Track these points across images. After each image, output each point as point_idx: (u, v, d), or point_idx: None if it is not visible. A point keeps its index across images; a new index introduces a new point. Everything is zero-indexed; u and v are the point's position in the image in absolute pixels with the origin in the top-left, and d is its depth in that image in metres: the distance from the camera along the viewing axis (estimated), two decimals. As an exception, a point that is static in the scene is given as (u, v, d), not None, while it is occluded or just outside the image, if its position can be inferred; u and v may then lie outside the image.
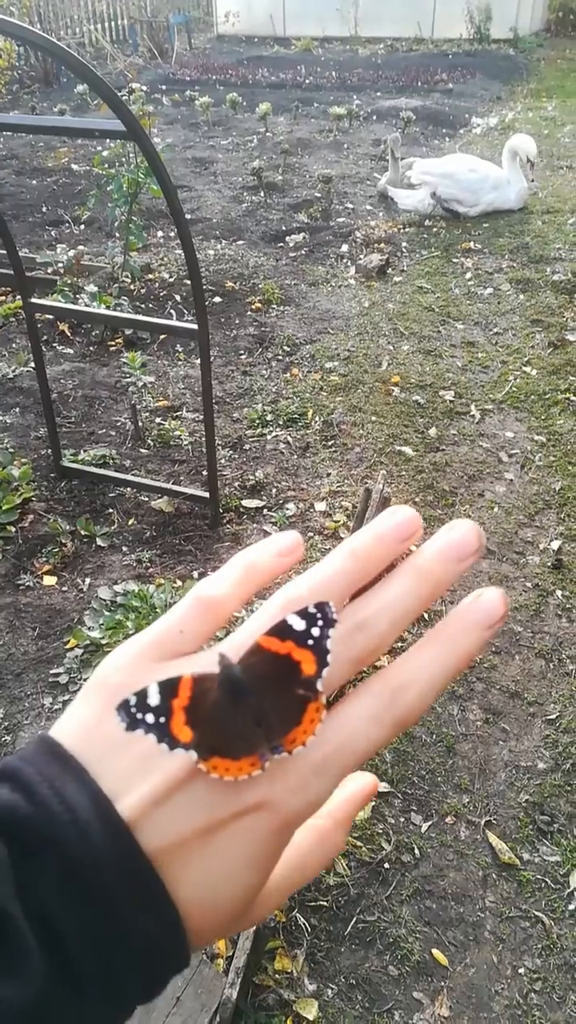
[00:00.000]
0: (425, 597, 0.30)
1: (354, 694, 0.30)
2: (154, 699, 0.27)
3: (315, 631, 0.29)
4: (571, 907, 1.61)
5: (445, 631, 0.30)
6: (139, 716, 0.27)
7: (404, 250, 4.80)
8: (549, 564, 2.44)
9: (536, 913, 1.60)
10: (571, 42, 12.67)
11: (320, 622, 0.29)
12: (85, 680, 1.73)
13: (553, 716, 1.99)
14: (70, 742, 0.28)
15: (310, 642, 0.29)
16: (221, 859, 0.28)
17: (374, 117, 8.06)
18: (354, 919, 1.59)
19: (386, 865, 1.68)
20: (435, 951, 1.55)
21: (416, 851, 1.70)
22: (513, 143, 5.08)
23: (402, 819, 1.77)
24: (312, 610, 0.29)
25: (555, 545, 2.50)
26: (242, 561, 0.33)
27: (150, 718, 0.27)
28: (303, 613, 0.29)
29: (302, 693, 0.29)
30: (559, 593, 2.35)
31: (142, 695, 0.28)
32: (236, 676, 0.29)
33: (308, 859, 0.33)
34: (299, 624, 0.29)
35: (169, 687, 0.28)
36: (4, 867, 0.25)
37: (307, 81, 9.98)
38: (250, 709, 0.29)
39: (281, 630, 0.29)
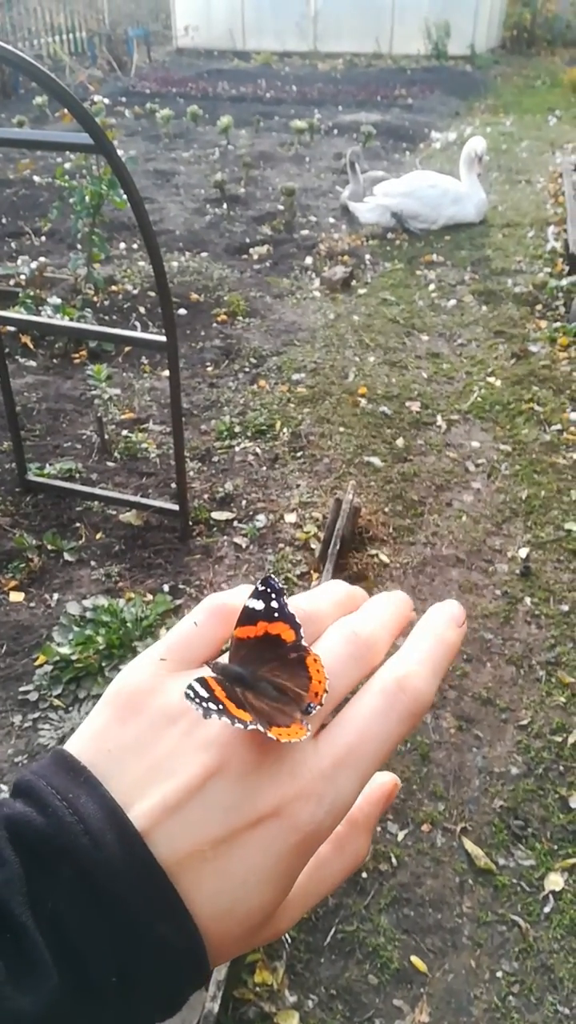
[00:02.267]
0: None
1: (357, 696, 0.31)
2: (204, 692, 0.29)
3: (274, 603, 0.32)
4: (546, 910, 1.63)
5: (427, 627, 0.33)
6: (207, 705, 0.28)
7: (368, 262, 4.86)
8: (517, 572, 2.48)
9: (512, 917, 1.62)
10: (526, 59, 12.99)
11: (273, 594, 0.32)
12: (55, 697, 1.70)
13: (525, 722, 2.02)
14: (84, 754, 0.29)
15: (276, 614, 0.31)
16: (237, 872, 0.27)
17: (335, 131, 8.15)
18: (333, 929, 1.59)
19: (364, 874, 1.69)
20: (414, 958, 1.55)
21: (393, 860, 1.71)
22: (467, 151, 5.18)
23: (379, 828, 1.77)
24: (261, 587, 0.32)
25: (523, 553, 2.55)
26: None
27: (213, 705, 0.28)
28: (256, 594, 0.32)
29: (295, 655, 0.31)
30: (528, 600, 2.38)
31: (200, 684, 0.29)
32: (235, 670, 0.31)
33: (327, 868, 0.32)
34: (258, 604, 0.32)
35: (204, 683, 0.29)
36: (17, 879, 0.25)
37: (268, 95, 10.06)
38: (265, 689, 0.31)
39: (247, 616, 0.32)
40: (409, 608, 0.35)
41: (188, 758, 0.28)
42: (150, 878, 0.26)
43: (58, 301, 3.70)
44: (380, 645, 0.32)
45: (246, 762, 0.29)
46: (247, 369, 3.67)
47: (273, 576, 0.33)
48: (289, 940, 1.56)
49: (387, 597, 0.35)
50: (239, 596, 0.34)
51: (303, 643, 0.31)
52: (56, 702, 2.01)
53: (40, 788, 0.27)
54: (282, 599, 0.32)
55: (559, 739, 1.97)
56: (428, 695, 0.30)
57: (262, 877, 0.28)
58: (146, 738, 0.29)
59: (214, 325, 4.05)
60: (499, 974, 1.54)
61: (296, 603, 0.33)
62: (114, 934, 0.25)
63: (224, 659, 0.32)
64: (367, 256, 4.94)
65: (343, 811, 0.29)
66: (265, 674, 0.31)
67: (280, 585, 0.32)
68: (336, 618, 0.33)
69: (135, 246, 5.00)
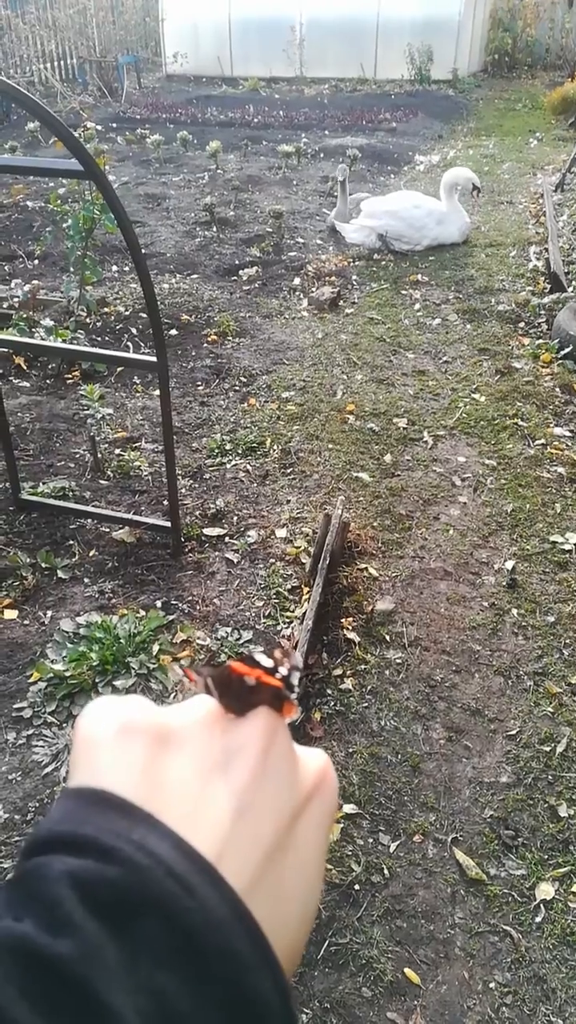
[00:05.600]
0: None
1: None
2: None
3: (282, 670, 0.30)
4: (538, 919, 1.65)
5: None
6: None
7: (355, 283, 4.93)
8: (504, 584, 2.51)
9: (504, 927, 1.63)
10: (507, 83, 13.26)
11: (286, 663, 0.30)
12: (49, 713, 1.71)
13: (513, 732, 2.04)
14: (122, 789, 0.25)
15: (277, 675, 0.30)
16: (302, 857, 0.26)
17: (321, 155, 8.29)
18: (326, 942, 1.60)
19: (356, 887, 1.70)
20: (407, 970, 1.56)
21: (385, 871, 1.72)
22: (451, 177, 5.29)
23: (370, 840, 1.79)
24: (279, 655, 0.31)
25: (509, 565, 2.58)
26: None
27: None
28: (270, 654, 0.31)
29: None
30: (515, 612, 2.41)
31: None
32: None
33: None
34: (267, 662, 0.30)
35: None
36: (98, 948, 0.20)
37: (255, 120, 10.22)
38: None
39: (247, 660, 0.31)
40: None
41: (232, 764, 0.26)
42: (242, 919, 0.22)
43: (51, 323, 3.74)
44: None
45: (285, 748, 0.28)
46: (237, 388, 3.71)
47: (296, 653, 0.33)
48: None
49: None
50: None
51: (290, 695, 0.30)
52: (50, 719, 2.02)
53: (93, 835, 0.22)
54: (295, 673, 0.31)
55: (547, 749, 1.99)
56: None
57: (320, 857, 0.26)
58: (181, 759, 0.26)
59: (205, 345, 4.10)
60: (492, 985, 1.55)
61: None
62: (228, 998, 0.21)
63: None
64: (354, 276, 5.01)
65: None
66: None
67: (299, 663, 0.31)
68: None
69: (127, 268, 5.06)
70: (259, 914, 0.23)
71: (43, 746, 1.96)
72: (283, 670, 0.30)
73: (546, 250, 5.15)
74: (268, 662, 0.30)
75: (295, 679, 0.30)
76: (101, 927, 0.21)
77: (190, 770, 0.26)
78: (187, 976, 0.21)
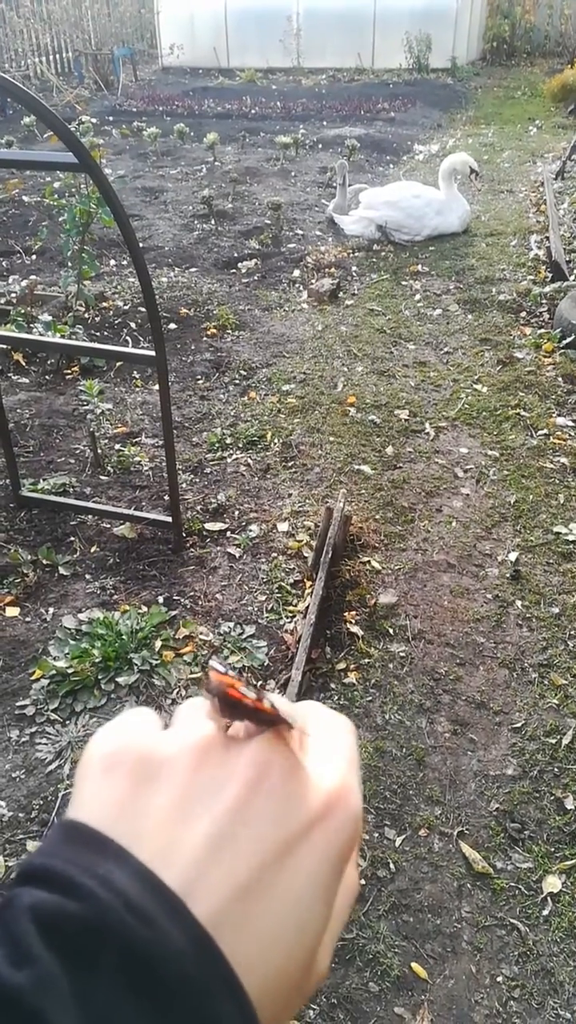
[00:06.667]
0: None
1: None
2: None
3: (265, 704, 0.29)
4: (545, 913, 1.64)
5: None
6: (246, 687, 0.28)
7: (354, 274, 4.90)
8: (508, 575, 2.50)
9: (511, 920, 1.63)
10: (505, 71, 13.16)
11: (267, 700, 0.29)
12: (52, 711, 1.70)
13: (519, 724, 2.03)
14: (97, 821, 0.25)
15: (265, 704, 0.29)
16: (292, 890, 0.25)
17: (319, 145, 8.24)
18: (333, 938, 1.59)
19: (362, 881, 1.69)
20: (414, 965, 1.55)
21: (391, 865, 1.72)
22: (448, 164, 5.24)
23: (376, 834, 1.78)
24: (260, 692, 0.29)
25: (512, 556, 2.57)
26: None
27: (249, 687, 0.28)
28: (251, 686, 0.29)
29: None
30: (518, 603, 2.40)
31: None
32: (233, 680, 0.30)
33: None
34: (250, 693, 0.29)
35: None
36: (53, 979, 0.21)
37: (253, 111, 10.16)
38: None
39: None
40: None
41: (221, 785, 0.26)
42: (204, 949, 0.23)
43: (49, 318, 3.72)
44: None
45: (286, 766, 0.27)
46: (237, 381, 3.69)
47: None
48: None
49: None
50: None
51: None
52: (53, 716, 2.01)
53: (61, 869, 0.23)
54: (278, 709, 0.29)
55: (553, 741, 1.98)
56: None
57: (317, 892, 0.25)
58: (160, 789, 0.26)
59: (204, 339, 4.08)
60: (499, 979, 1.54)
61: None
62: None
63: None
64: (353, 268, 4.98)
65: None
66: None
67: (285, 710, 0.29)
68: None
69: (124, 262, 5.03)
70: (232, 946, 0.23)
71: (46, 743, 1.95)
72: (266, 704, 0.29)
73: (547, 239, 5.11)
74: (252, 694, 0.29)
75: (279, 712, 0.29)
76: (57, 960, 0.21)
77: (172, 801, 0.26)
78: (143, 1007, 0.21)
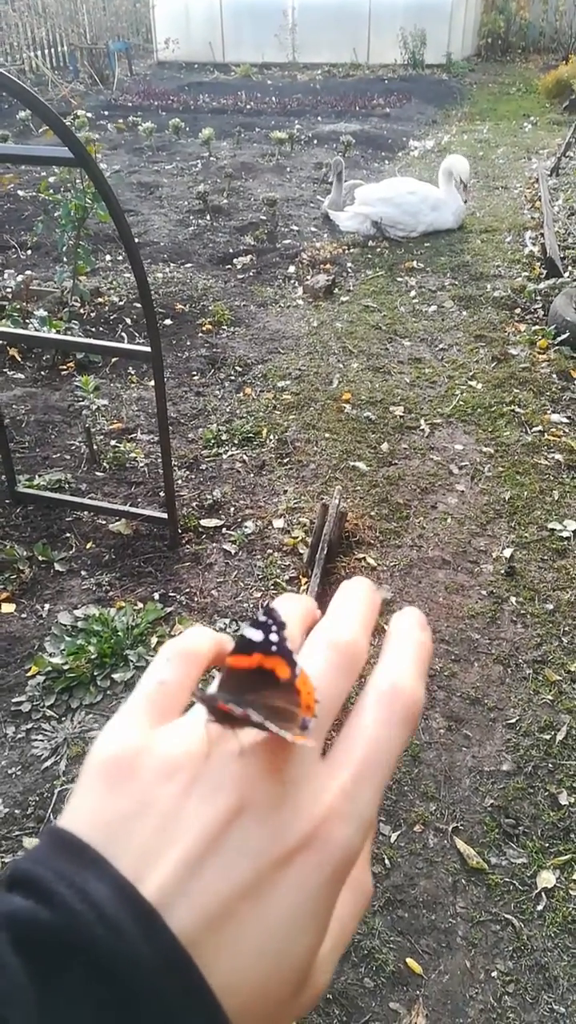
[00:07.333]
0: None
1: (356, 710, 0.30)
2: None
3: (273, 636, 0.30)
4: (539, 908, 1.65)
5: (401, 633, 0.32)
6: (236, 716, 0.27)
7: (349, 270, 4.90)
8: (502, 572, 2.50)
9: (506, 916, 1.63)
10: (500, 66, 13.15)
11: (273, 627, 0.30)
12: (48, 707, 1.70)
13: (513, 720, 2.03)
14: (83, 831, 0.25)
15: (274, 648, 0.29)
16: (272, 921, 0.24)
17: (315, 141, 8.22)
18: (328, 933, 1.60)
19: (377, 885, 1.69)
20: (409, 960, 1.56)
21: (386, 861, 1.72)
22: (447, 164, 5.25)
23: (371, 830, 1.78)
24: (263, 618, 0.30)
25: (507, 553, 2.57)
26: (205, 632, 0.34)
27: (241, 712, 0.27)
28: (256, 624, 0.30)
29: (285, 680, 0.29)
30: (513, 600, 2.41)
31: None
32: (226, 698, 0.29)
33: (342, 910, 0.28)
34: (257, 635, 0.30)
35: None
36: (20, 989, 0.21)
37: (248, 106, 10.13)
38: (259, 710, 0.29)
39: (243, 646, 0.30)
40: (375, 596, 0.34)
41: (202, 807, 0.26)
42: (176, 961, 0.22)
43: (44, 314, 3.71)
44: (361, 649, 0.31)
45: (270, 794, 0.26)
46: (233, 377, 3.69)
47: (276, 607, 0.31)
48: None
49: (352, 592, 0.34)
50: (199, 638, 0.32)
51: (296, 680, 0.29)
52: (49, 712, 2.01)
53: (40, 875, 0.23)
54: (283, 633, 0.30)
55: (547, 737, 1.99)
56: (421, 697, 0.30)
57: (301, 921, 0.25)
58: (148, 800, 0.26)
59: (199, 335, 4.08)
60: (494, 974, 1.55)
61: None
62: None
63: (211, 688, 0.30)
64: (349, 264, 4.98)
65: (369, 828, 0.27)
66: (255, 699, 0.29)
67: (283, 619, 0.30)
68: (304, 627, 0.32)
69: (120, 258, 5.02)
70: (211, 961, 0.23)
71: (42, 740, 1.95)
72: (274, 636, 0.29)
73: (542, 235, 5.11)
74: (257, 634, 0.30)
75: (286, 639, 0.29)
76: (25, 968, 0.21)
77: (160, 813, 0.26)
78: (107, 1018, 0.21)
